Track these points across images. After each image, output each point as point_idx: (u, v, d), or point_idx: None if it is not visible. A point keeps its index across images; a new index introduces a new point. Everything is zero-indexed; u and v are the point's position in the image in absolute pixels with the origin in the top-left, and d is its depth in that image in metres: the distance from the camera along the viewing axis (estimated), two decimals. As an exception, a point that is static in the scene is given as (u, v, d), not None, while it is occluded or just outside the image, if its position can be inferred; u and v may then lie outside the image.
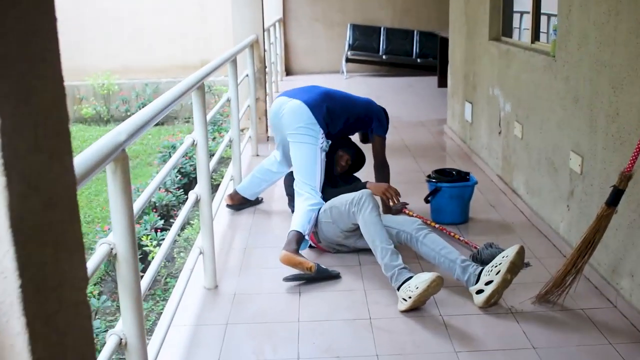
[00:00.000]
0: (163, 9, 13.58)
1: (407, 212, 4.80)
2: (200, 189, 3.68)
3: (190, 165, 7.87)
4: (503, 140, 5.39)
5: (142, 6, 13.57)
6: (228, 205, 5.01)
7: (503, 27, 5.79)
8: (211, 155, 4.30)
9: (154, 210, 6.37)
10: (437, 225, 4.54)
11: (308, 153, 4.22)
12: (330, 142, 4.30)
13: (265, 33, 9.17)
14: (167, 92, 3.15)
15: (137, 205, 2.48)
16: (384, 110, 4.73)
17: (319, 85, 4.65)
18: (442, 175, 4.71)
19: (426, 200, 4.71)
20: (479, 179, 5.43)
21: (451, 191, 4.61)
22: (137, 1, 13.58)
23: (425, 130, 7.80)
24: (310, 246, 4.27)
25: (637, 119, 3.19)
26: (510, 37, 5.73)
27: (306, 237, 4.06)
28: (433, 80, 11.37)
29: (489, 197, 5.21)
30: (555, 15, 4.50)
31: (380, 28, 12.90)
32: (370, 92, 10.99)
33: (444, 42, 10.23)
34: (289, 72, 13.34)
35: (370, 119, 4.57)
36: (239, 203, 5.01)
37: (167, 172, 3.21)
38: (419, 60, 12.63)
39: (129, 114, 12.44)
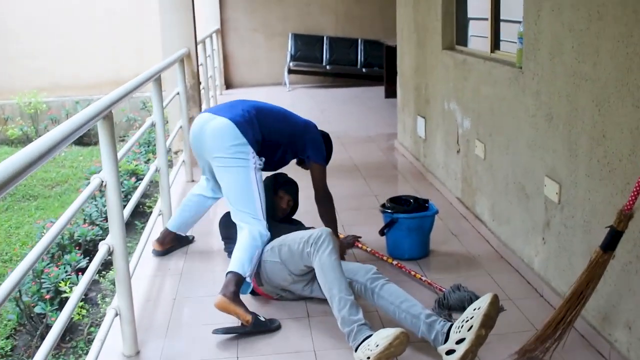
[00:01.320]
0: (94, 21, 12.80)
1: (360, 245, 4.26)
2: (113, 239, 3.04)
3: (122, 192, 7.18)
4: (462, 159, 4.87)
5: (71, 19, 12.76)
6: (155, 252, 4.33)
7: (457, 35, 5.29)
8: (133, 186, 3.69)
9: (77, 247, 5.67)
10: (394, 262, 3.99)
11: (240, 177, 3.60)
12: (263, 159, 3.70)
13: (200, 45, 8.56)
14: (62, 126, 2.52)
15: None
16: (326, 136, 4.17)
17: (250, 99, 4.03)
18: (398, 204, 4.16)
19: (381, 233, 4.15)
20: (437, 202, 4.93)
21: (409, 223, 4.06)
22: (66, 13, 12.76)
23: (375, 147, 7.27)
24: (251, 292, 3.67)
25: (629, 143, 2.69)
26: (466, 45, 5.24)
27: (247, 279, 3.46)
28: (380, 90, 10.89)
29: (450, 224, 4.68)
30: (517, 22, 4.01)
31: (323, 37, 12.38)
32: (314, 104, 10.46)
33: (390, 50, 9.78)
34: (229, 85, 12.70)
35: (304, 144, 3.92)
36: (171, 245, 4.35)
37: (74, 213, 2.71)
38: (364, 69, 12.14)
39: (58, 134, 11.62)
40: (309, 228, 3.77)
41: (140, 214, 7.18)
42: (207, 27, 11.58)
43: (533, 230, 3.67)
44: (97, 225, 6.13)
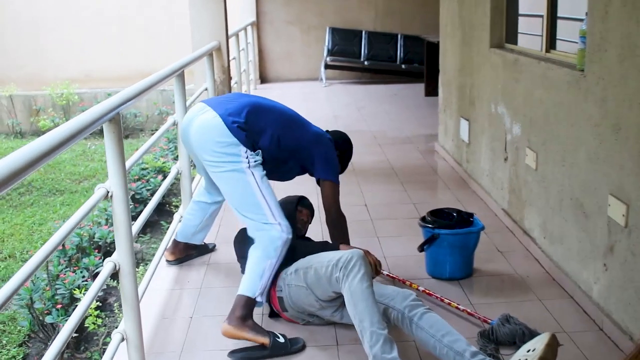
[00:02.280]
0: (128, 12, 12.56)
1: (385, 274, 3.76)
2: (120, 256, 2.72)
3: (147, 190, 6.89)
4: (510, 168, 4.46)
5: (104, 10, 12.54)
6: (169, 262, 4.00)
7: (506, 32, 4.87)
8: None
9: (97, 249, 5.38)
10: (421, 288, 3.50)
11: (235, 182, 3.17)
12: (260, 152, 3.24)
13: (233, 39, 8.26)
14: (61, 129, 2.20)
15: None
16: (345, 139, 3.68)
17: (258, 96, 3.61)
18: (440, 218, 3.77)
19: (420, 249, 3.77)
20: (480, 213, 4.55)
21: (452, 239, 3.67)
22: (100, 4, 12.55)
23: (414, 149, 6.86)
24: (272, 313, 3.33)
25: None
26: (515, 43, 4.81)
27: (258, 298, 3.11)
28: (419, 88, 10.47)
29: (496, 239, 4.27)
30: (576, 19, 3.60)
31: (361, 32, 11.97)
32: (351, 101, 10.08)
33: (432, 46, 9.36)
34: (264, 79, 12.37)
35: (312, 158, 3.40)
36: (184, 255, 4.01)
37: (71, 228, 2.41)
38: (403, 66, 11.70)
39: (89, 126, 11.41)
40: (331, 245, 3.40)
41: (167, 213, 6.88)
42: (242, 19, 11.29)
43: (592, 254, 3.26)
44: (119, 226, 5.84)
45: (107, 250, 5.45)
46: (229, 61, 6.41)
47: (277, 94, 11.04)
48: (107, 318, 4.74)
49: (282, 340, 2.99)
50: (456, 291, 3.59)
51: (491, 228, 4.38)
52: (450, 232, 3.66)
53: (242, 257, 3.47)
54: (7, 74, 12.20)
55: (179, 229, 3.94)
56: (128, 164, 2.87)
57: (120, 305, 4.87)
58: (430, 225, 3.70)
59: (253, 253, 3.17)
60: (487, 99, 4.93)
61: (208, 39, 6.06)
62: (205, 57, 5.55)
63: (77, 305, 4.36)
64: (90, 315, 4.50)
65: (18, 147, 1.95)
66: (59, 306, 4.42)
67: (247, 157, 3.16)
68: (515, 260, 3.98)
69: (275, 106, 3.44)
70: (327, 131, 3.66)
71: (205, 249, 4.09)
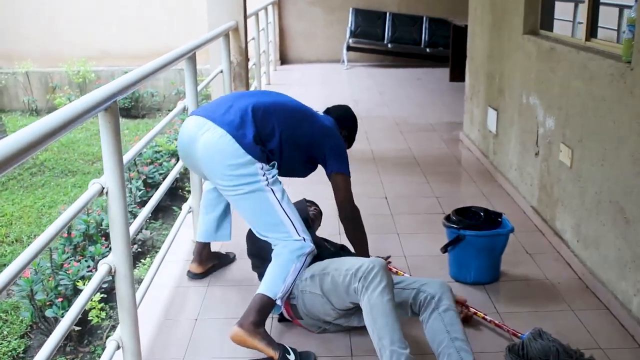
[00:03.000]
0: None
1: (392, 270, 3.54)
2: (116, 257, 2.48)
3: (160, 174, 6.67)
4: (542, 164, 4.17)
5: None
6: (192, 275, 3.59)
7: (542, 18, 4.55)
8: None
9: (104, 237, 5.17)
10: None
11: (255, 203, 2.91)
12: (275, 163, 2.97)
13: (253, 18, 7.98)
14: (45, 120, 1.95)
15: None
16: (349, 114, 3.43)
17: (256, 91, 3.30)
18: (466, 217, 3.50)
19: (444, 250, 3.50)
20: (507, 209, 4.30)
21: (478, 241, 3.40)
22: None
23: (437, 137, 6.57)
24: (283, 318, 3.09)
25: None
26: (551, 30, 4.50)
27: (278, 302, 2.87)
28: (444, 72, 10.13)
29: (524, 240, 3.99)
30: (622, 6, 3.29)
31: (385, 13, 11.62)
32: (373, 85, 9.78)
33: (458, 30, 9.03)
34: (284, 60, 12.08)
35: (324, 151, 3.13)
36: (210, 265, 3.63)
37: (59, 229, 2.15)
38: (428, 49, 11.36)
39: (105, 105, 11.22)
40: (347, 250, 3.18)
41: (180, 198, 6.66)
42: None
43: (633, 264, 2.98)
44: (130, 212, 5.61)
45: (115, 237, 5.24)
46: (246, 42, 6.13)
47: (297, 75, 10.78)
48: (112, 310, 4.53)
49: (292, 357, 2.75)
50: (482, 297, 3.33)
51: (519, 227, 4.07)
52: (476, 234, 3.39)
53: (254, 255, 3.23)
54: (24, 50, 12.02)
55: (200, 230, 3.55)
56: (126, 157, 2.63)
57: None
58: (455, 226, 3.43)
59: (278, 255, 2.92)
60: (518, 88, 4.63)
61: (225, 19, 5.78)
62: (221, 37, 5.27)
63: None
64: (94, 308, 4.29)
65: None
66: (60, 299, 4.21)
67: (264, 174, 2.90)
68: (545, 264, 3.70)
69: (277, 101, 3.13)
70: (328, 108, 3.43)
71: (227, 259, 3.76)
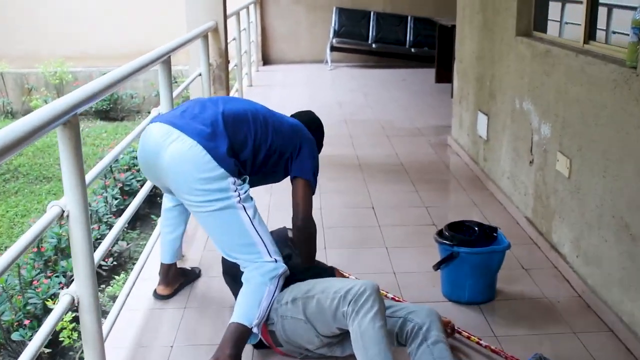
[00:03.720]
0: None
1: (349, 274, 3.42)
2: (80, 289, 2.25)
3: (138, 181, 6.41)
4: (537, 173, 3.97)
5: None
6: (161, 297, 3.34)
7: (535, 19, 4.35)
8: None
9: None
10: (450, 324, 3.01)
11: (225, 222, 2.66)
12: (247, 178, 2.73)
13: (233, 18, 7.74)
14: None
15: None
16: (317, 123, 3.21)
17: (219, 97, 3.05)
18: (459, 232, 3.29)
19: (436, 268, 3.29)
20: (500, 219, 4.14)
21: (473, 259, 3.19)
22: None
23: (424, 142, 6.36)
24: (261, 344, 2.85)
25: None
26: (544, 31, 4.30)
27: (254, 329, 2.64)
28: (430, 73, 9.93)
29: (519, 253, 3.78)
30: (623, 7, 3.08)
31: (369, 13, 11.40)
32: (356, 86, 9.57)
33: (444, 30, 8.85)
34: (266, 61, 11.83)
35: (290, 153, 2.90)
36: (178, 285, 3.38)
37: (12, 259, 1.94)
38: (412, 49, 11.15)
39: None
40: (332, 269, 2.97)
41: (158, 206, 6.40)
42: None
43: (639, 283, 2.78)
44: (104, 222, 5.36)
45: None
46: (226, 43, 5.90)
47: (279, 76, 10.54)
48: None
49: None
50: (477, 319, 3.12)
51: (513, 238, 3.80)
52: (470, 251, 3.17)
53: (227, 273, 2.99)
54: (0, 50, 11.65)
55: (163, 250, 3.30)
56: (89, 176, 2.39)
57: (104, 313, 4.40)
58: (448, 242, 3.21)
59: (249, 279, 2.69)
60: (511, 92, 4.43)
61: (204, 19, 5.54)
62: (200, 39, 5.04)
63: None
64: (65, 328, 4.04)
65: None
66: (28, 321, 3.95)
67: (236, 189, 2.63)
68: (543, 280, 3.50)
69: (246, 108, 2.88)
70: (293, 115, 3.21)
71: (193, 275, 3.52)
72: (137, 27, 11.79)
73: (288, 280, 2.76)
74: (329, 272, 3.04)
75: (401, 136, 6.58)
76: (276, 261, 2.70)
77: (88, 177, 2.34)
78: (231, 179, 2.62)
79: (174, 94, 4.47)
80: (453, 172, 5.42)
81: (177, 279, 3.39)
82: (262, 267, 2.67)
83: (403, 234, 4.13)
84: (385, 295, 3.28)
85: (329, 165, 5.38)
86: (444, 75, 9.15)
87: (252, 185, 2.81)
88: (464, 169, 5.45)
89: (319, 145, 3.19)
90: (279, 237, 3.03)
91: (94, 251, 2.31)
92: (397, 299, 3.24)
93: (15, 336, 3.87)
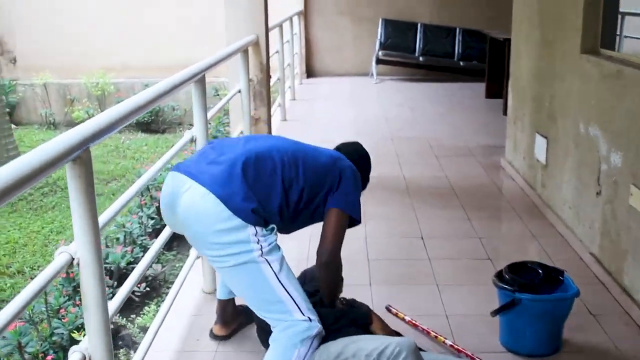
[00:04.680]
0: (170, 2, 11.85)
1: (394, 312, 3.22)
2: (92, 345, 1.97)
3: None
4: (605, 206, 3.59)
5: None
6: (218, 338, 3.05)
7: (603, 35, 3.98)
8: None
9: (109, 276, 4.68)
10: (448, 343, 2.86)
11: (247, 277, 2.36)
12: (274, 227, 2.41)
13: (276, 30, 7.50)
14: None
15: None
16: (362, 155, 2.86)
17: (257, 136, 2.79)
18: (520, 274, 2.94)
19: (494, 314, 2.95)
20: (561, 255, 3.78)
21: (537, 307, 2.84)
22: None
23: (475, 163, 5.99)
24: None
25: None
26: (613, 49, 3.93)
27: None
28: (479, 88, 9.54)
29: (585, 295, 3.37)
30: None
31: (416, 24, 11.05)
32: (403, 100, 9.24)
33: (495, 43, 8.48)
34: (310, 73, 11.56)
35: (320, 188, 2.53)
36: (237, 324, 3.08)
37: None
38: (461, 63, 10.77)
39: (124, 119, 10.79)
40: (366, 311, 2.66)
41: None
42: (289, 8, 10.48)
43: None
44: (138, 245, 5.11)
45: (120, 276, 4.74)
46: (268, 57, 5.63)
47: (323, 89, 10.27)
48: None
49: None
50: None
51: (577, 277, 3.40)
52: (534, 298, 2.83)
53: (260, 326, 2.69)
54: (43, 61, 11.59)
55: (221, 285, 2.99)
56: (102, 219, 2.11)
57: (129, 346, 4.16)
58: (509, 287, 2.87)
59: (276, 340, 2.38)
60: (574, 115, 4.06)
61: (244, 32, 5.29)
62: (239, 53, 4.78)
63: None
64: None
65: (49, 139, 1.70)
66: (49, 358, 3.71)
67: (258, 241, 2.32)
68: (614, 329, 3.12)
69: (270, 146, 2.55)
70: (337, 146, 2.88)
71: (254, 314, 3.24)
72: (178, 39, 11.63)
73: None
74: (365, 316, 2.73)
75: (450, 156, 6.23)
76: (310, 320, 2.36)
77: (101, 219, 2.06)
78: (251, 229, 2.31)
79: (215, 109, 4.25)
80: (507, 198, 5.05)
81: (236, 318, 3.07)
82: (293, 326, 2.35)
83: (455, 269, 3.79)
84: (444, 342, 2.95)
85: (374, 187, 5.02)
86: (495, 91, 8.78)
87: (297, 228, 2.55)
88: (519, 194, 5.07)
89: (365, 180, 2.86)
90: (313, 275, 2.76)
91: (109, 300, 2.03)
92: (456, 346, 2.91)
93: (36, 373, 3.63)
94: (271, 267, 2.33)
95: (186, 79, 3.14)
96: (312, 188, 2.50)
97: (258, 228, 2.33)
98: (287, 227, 2.56)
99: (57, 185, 7.87)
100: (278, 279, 2.34)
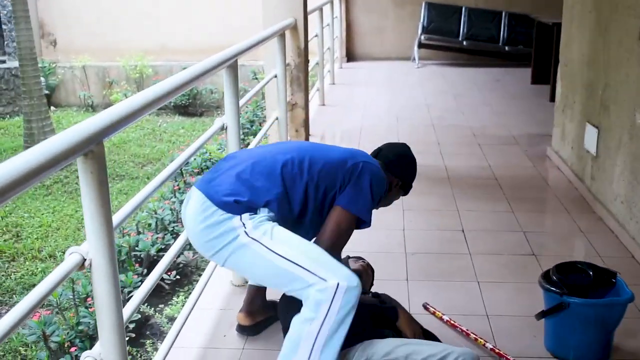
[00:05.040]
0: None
1: (430, 309, 3.06)
2: (105, 350, 1.84)
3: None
4: (661, 202, 3.35)
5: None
6: (241, 329, 2.90)
7: (662, 19, 3.71)
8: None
9: (138, 263, 4.58)
10: (489, 346, 2.71)
11: (246, 262, 2.23)
12: (267, 209, 2.26)
13: (316, 14, 7.32)
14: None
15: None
16: (402, 156, 2.68)
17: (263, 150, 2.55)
18: (569, 276, 2.74)
19: (540, 317, 2.76)
20: (612, 252, 3.54)
21: (586, 311, 2.63)
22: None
23: (520, 152, 5.75)
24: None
25: None
26: (674, 34, 3.66)
27: None
28: (525, 73, 9.22)
29: (639, 298, 3.17)
30: None
31: (461, 8, 10.74)
32: (446, 86, 8.98)
33: (542, 27, 8.18)
34: (350, 57, 11.34)
35: (334, 180, 2.36)
36: (265, 316, 2.90)
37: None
38: (506, 48, 10.44)
39: (162, 102, 10.73)
40: (393, 307, 2.50)
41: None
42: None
43: None
44: (168, 231, 5.00)
45: (151, 263, 4.64)
46: (306, 41, 5.46)
47: (363, 74, 10.05)
48: (138, 354, 3.92)
49: None
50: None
51: (629, 277, 3.16)
52: (584, 302, 2.62)
53: (285, 328, 2.54)
54: (82, 44, 11.61)
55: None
56: (117, 217, 1.97)
57: (153, 342, 4.05)
58: (556, 290, 2.66)
59: (294, 321, 2.20)
60: (630, 105, 3.80)
61: (283, 15, 5.13)
62: (276, 37, 4.61)
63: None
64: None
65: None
66: (73, 349, 3.62)
67: (243, 225, 2.20)
68: (671, 337, 2.90)
69: (281, 148, 2.48)
70: (380, 148, 2.72)
71: None
72: (218, 21, 11.52)
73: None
74: (393, 311, 2.56)
75: (494, 145, 5.99)
76: (325, 280, 2.12)
77: (116, 218, 1.92)
78: (237, 219, 2.21)
79: (248, 95, 4.09)
80: (554, 190, 4.81)
81: (264, 311, 2.90)
82: (312, 295, 2.13)
83: (497, 266, 3.59)
84: (484, 345, 2.77)
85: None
86: (541, 76, 8.47)
87: (313, 230, 2.40)
88: (566, 186, 4.83)
89: (407, 186, 2.68)
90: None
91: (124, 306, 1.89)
92: (497, 350, 2.72)
93: (63, 364, 3.55)
94: (262, 243, 2.18)
95: (217, 65, 2.99)
96: (320, 185, 2.35)
97: (244, 215, 2.22)
98: (300, 228, 2.38)
99: (94, 169, 7.84)
100: (273, 251, 2.17)
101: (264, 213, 2.25)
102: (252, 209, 2.24)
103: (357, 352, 2.24)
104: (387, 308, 2.57)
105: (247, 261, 2.22)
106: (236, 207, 2.22)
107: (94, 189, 1.69)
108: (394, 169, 2.61)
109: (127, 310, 2.07)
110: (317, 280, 2.12)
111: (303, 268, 2.15)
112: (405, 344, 2.17)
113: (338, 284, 2.09)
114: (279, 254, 2.17)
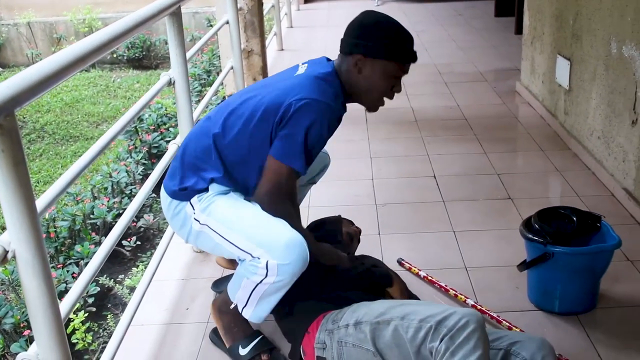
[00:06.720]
0: None
1: (406, 266, 2.90)
2: (42, 350, 1.61)
3: (167, 141, 5.78)
4: (642, 136, 3.18)
5: None
6: (220, 282, 2.78)
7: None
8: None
9: (94, 232, 4.31)
10: (471, 302, 2.53)
11: (208, 247, 2.30)
12: (213, 178, 2.18)
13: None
14: None
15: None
16: (393, 25, 2.23)
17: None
18: (551, 222, 2.56)
19: (522, 268, 2.59)
20: (590, 191, 3.40)
21: (571, 261, 2.46)
22: None
23: (488, 89, 5.54)
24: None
25: None
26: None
27: (240, 310, 2.20)
28: (488, 6, 8.99)
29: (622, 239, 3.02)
30: None
31: (419, -61, 10.37)
32: (408, 24, 8.47)
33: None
34: (308, -3, 10.94)
35: (266, 133, 2.14)
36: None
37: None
38: (468, -21, 10.14)
39: (116, 56, 10.30)
40: (386, 274, 2.36)
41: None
42: None
43: None
44: (126, 194, 4.73)
45: (108, 230, 4.39)
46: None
47: (322, 15, 9.71)
48: (101, 329, 3.70)
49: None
50: (575, 334, 2.43)
51: (610, 217, 2.97)
52: (570, 251, 2.44)
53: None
54: (25, -1, 11.04)
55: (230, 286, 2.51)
56: (40, 203, 1.71)
57: (115, 313, 3.83)
58: (540, 239, 2.48)
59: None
60: (604, 33, 3.59)
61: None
62: (226, -21, 4.29)
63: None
64: (78, 329, 3.47)
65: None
66: (26, 332, 3.38)
67: (193, 210, 2.20)
68: (657, 279, 2.76)
69: (223, 109, 2.29)
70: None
71: None
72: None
73: (338, 291, 2.22)
74: (387, 277, 2.40)
75: (462, 82, 5.77)
76: (259, 257, 2.06)
77: (39, 203, 1.67)
78: (188, 206, 2.21)
79: (197, 46, 3.79)
80: (526, 128, 4.62)
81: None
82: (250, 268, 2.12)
83: (473, 213, 3.41)
84: (464, 302, 2.61)
85: (379, 122, 4.66)
86: (505, 8, 8.23)
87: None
88: (538, 123, 4.64)
89: (393, 53, 2.21)
90: (330, 227, 2.54)
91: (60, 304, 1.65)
92: (479, 307, 2.55)
93: (14, 348, 3.30)
94: (209, 226, 2.17)
95: (157, 13, 2.67)
96: (253, 144, 2.16)
97: (193, 199, 2.20)
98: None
99: (45, 131, 7.49)
100: (218, 233, 2.16)
101: (212, 190, 2.19)
102: (202, 190, 2.20)
103: (346, 314, 2.07)
104: (381, 275, 2.40)
105: (207, 245, 2.27)
106: (184, 193, 2.21)
107: (9, 170, 1.43)
108: (357, 47, 2.21)
109: (69, 299, 1.83)
110: (251, 259, 2.09)
111: (239, 248, 2.12)
112: (402, 305, 1.98)
113: (268, 262, 2.04)
114: (221, 235, 2.15)
